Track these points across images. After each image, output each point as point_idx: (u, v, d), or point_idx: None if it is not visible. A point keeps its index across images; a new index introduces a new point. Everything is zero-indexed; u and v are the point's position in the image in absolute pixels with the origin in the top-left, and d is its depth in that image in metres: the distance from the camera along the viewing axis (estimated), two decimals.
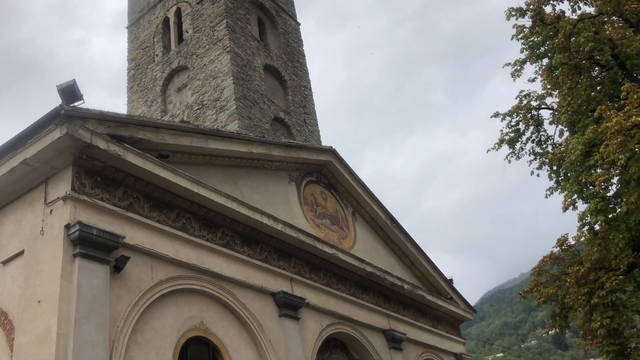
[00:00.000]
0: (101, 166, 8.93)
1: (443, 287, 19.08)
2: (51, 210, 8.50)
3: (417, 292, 17.00)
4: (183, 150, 10.75)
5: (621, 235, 9.92)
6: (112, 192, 9.12)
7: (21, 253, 8.63)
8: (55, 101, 8.39)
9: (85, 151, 8.57)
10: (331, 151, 15.61)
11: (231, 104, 21.60)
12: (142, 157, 9.28)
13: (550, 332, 12.38)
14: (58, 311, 7.67)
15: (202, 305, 10.26)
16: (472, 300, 21.86)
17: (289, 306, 11.96)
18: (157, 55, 26.66)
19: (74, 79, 8.45)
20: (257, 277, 11.51)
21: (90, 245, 8.30)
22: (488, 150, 14.26)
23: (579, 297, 10.55)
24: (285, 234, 12.23)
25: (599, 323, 10.03)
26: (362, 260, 14.72)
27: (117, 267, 8.66)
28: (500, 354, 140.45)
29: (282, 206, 13.35)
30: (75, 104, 8.42)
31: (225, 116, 21.44)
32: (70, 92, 8.33)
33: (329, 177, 15.89)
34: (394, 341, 15.34)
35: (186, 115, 23.54)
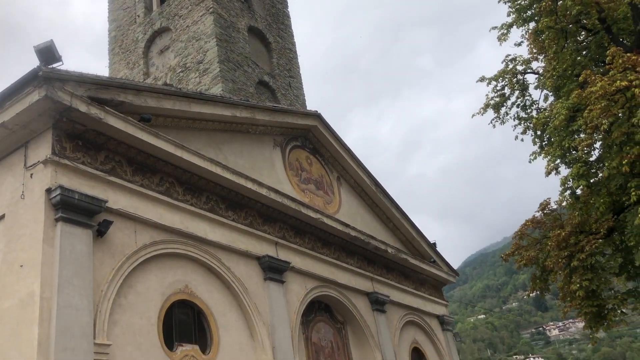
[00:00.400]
0: (82, 129, 8.79)
1: (426, 250, 19.33)
2: (32, 174, 8.39)
3: (400, 256, 17.20)
4: (166, 114, 10.61)
5: (602, 200, 10.04)
6: (94, 156, 9.00)
7: (2, 217, 8.55)
8: (34, 63, 8.19)
9: (65, 114, 8.41)
10: (316, 116, 15.51)
11: (214, 67, 21.27)
12: (123, 120, 9.13)
13: (530, 295, 12.65)
14: (41, 275, 7.65)
15: (186, 269, 10.29)
16: (456, 264, 22.21)
17: (273, 270, 12.04)
18: (138, 16, 26.05)
19: (51, 40, 8.21)
20: (242, 242, 11.53)
21: (72, 209, 8.23)
22: (473, 115, 14.26)
23: (559, 260, 10.73)
24: (270, 198, 12.22)
25: (578, 285, 10.23)
26: (347, 225, 14.80)
27: (100, 232, 8.62)
28: (482, 316, 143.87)
29: (266, 171, 13.31)
30: (54, 65, 8.21)
31: (209, 79, 21.14)
32: (48, 53, 8.11)
33: (314, 142, 15.82)
34: (378, 303, 15.58)
35: (169, 78, 23.17)
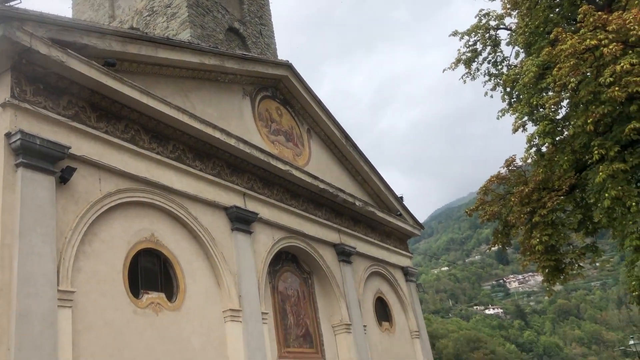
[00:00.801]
0: (43, 72, 8.47)
1: (393, 204, 19.59)
2: None
3: (368, 209, 17.39)
4: (131, 59, 10.28)
5: (566, 158, 10.22)
6: (56, 101, 8.72)
7: None
8: None
9: (24, 56, 8.08)
10: (287, 66, 15.25)
11: (183, 11, 20.58)
12: (87, 64, 8.82)
13: (492, 248, 12.98)
14: (1, 222, 7.50)
15: (152, 218, 10.21)
16: (422, 217, 22.62)
17: (241, 220, 12.05)
18: None
19: None
20: (209, 192, 11.47)
21: (33, 155, 8.01)
22: (444, 70, 14.21)
23: (522, 215, 10.98)
24: (238, 149, 12.11)
25: (538, 240, 10.51)
26: (316, 177, 14.83)
27: (63, 178, 8.44)
28: (445, 268, 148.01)
29: (235, 121, 13.13)
30: (12, 3, 7.81)
31: (177, 24, 20.48)
32: None
33: (284, 92, 15.62)
34: (344, 254, 15.82)
35: (135, 22, 22.36)
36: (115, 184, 9.45)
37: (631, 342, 32.26)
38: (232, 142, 11.90)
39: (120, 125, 9.79)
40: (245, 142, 12.33)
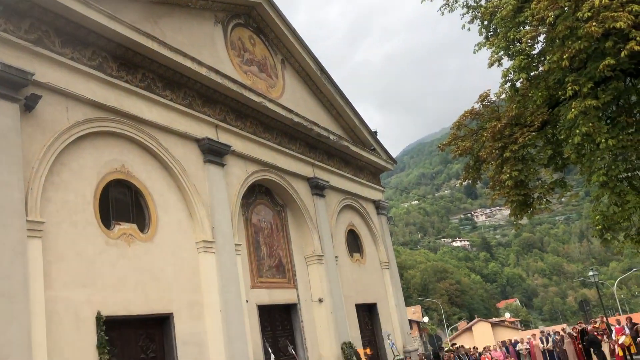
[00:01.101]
0: None
1: (367, 138, 19.60)
2: None
3: (342, 143, 17.37)
4: None
5: (540, 93, 10.20)
6: (17, 24, 8.28)
7: None
8: None
9: None
10: None
11: None
12: None
13: (463, 183, 13.13)
14: None
15: (122, 149, 10.02)
16: (394, 152, 22.74)
17: (213, 152, 11.92)
18: None
19: None
20: (181, 123, 11.25)
21: None
22: (423, 1, 13.83)
23: (493, 151, 11.05)
24: (210, 79, 11.81)
25: (508, 175, 10.63)
26: (290, 110, 14.65)
27: (28, 106, 8.15)
28: (416, 202, 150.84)
29: (207, 49, 12.74)
30: None
31: None
32: None
33: (258, 20, 15.13)
34: (317, 188, 15.91)
35: None
36: (83, 113, 9.17)
37: (590, 273, 33.68)
38: (204, 71, 11.58)
39: (87, 52, 9.40)
40: (217, 72, 12.01)
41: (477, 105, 12.62)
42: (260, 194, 14.27)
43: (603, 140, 9.07)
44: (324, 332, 14.51)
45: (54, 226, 8.32)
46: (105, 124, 9.60)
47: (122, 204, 9.93)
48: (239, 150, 12.82)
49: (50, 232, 8.20)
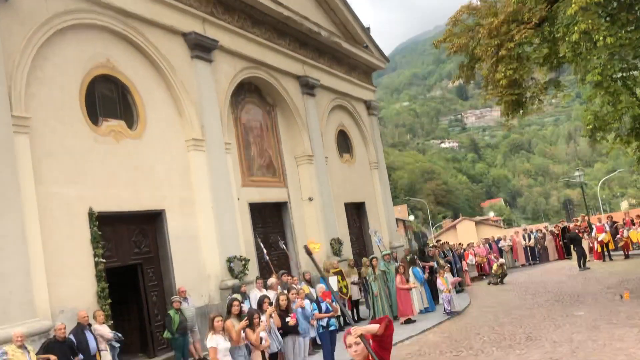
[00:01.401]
0: None
1: (360, 35, 19.02)
2: None
3: (333, 40, 16.87)
4: None
5: None
6: None
7: None
8: None
9: None
10: None
11: None
12: None
13: (455, 83, 12.94)
14: None
15: (107, 43, 9.67)
16: (386, 51, 22.18)
17: (201, 48, 11.55)
18: None
19: None
20: (167, 16, 10.80)
21: None
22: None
23: (489, 48, 10.78)
24: None
25: (502, 74, 10.47)
26: (280, 3, 14.05)
27: None
28: (406, 103, 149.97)
29: None
30: None
31: None
32: None
33: None
34: (308, 87, 15.64)
35: None
36: (63, 4, 8.74)
37: (576, 173, 34.15)
38: None
39: None
40: None
41: (474, 0, 12.20)
42: (250, 92, 14.02)
43: (601, 37, 8.86)
44: (313, 229, 14.86)
45: (41, 122, 8.19)
46: (88, 16, 9.19)
47: (108, 101, 9.74)
48: (227, 46, 12.43)
49: (37, 129, 8.08)
